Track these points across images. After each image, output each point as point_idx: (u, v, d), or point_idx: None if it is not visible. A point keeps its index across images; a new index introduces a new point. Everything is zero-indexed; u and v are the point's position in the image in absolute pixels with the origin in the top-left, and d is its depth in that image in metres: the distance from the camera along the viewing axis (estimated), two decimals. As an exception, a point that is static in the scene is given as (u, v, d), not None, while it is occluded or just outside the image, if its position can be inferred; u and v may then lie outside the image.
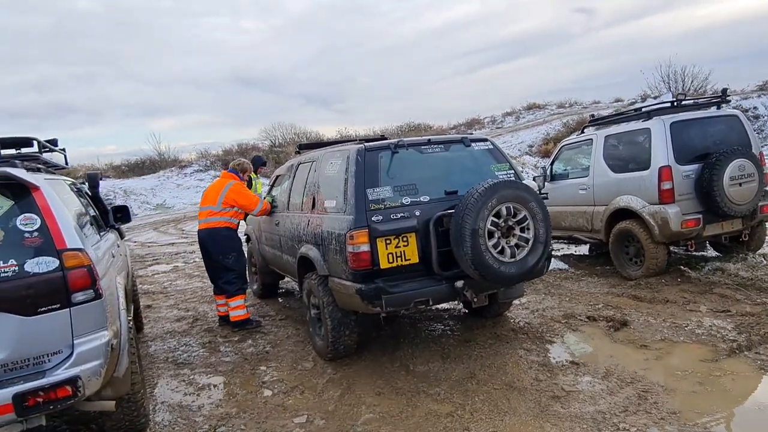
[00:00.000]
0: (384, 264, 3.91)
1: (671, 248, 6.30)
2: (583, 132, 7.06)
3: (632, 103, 33.51)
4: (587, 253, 8.04)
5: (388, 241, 3.92)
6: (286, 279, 6.38)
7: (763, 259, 6.03)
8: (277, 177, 6.36)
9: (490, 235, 3.89)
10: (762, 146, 25.64)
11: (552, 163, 7.40)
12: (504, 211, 3.92)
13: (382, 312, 3.95)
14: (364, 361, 4.56)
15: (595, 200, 6.51)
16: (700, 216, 5.64)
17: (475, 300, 4.17)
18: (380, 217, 3.93)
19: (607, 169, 6.33)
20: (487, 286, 4.16)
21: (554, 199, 7.06)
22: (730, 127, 5.96)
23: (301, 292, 4.96)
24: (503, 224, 3.94)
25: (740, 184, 5.55)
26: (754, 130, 30.72)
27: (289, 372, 4.54)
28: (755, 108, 32.78)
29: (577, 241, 7.39)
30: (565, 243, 8.25)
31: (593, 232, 6.64)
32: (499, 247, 3.93)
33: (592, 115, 7.37)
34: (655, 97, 39.25)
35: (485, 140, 4.58)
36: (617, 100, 43.51)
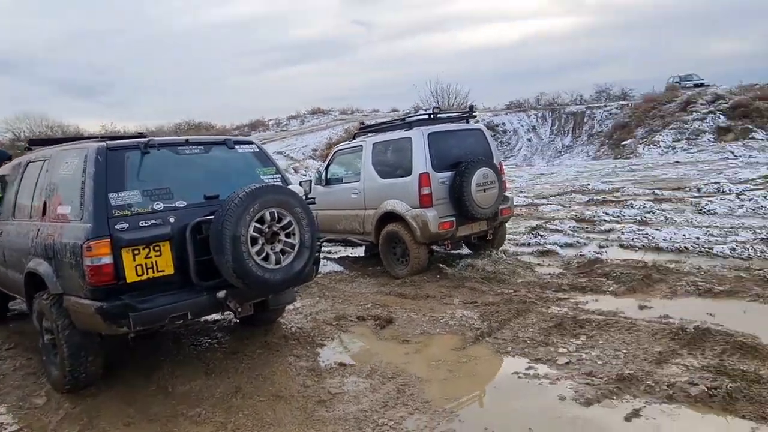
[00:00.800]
0: (132, 277, 3.47)
1: (433, 248, 6.91)
2: (354, 138, 7.37)
3: (407, 114, 36.61)
4: (363, 255, 8.42)
5: (136, 252, 3.49)
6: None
7: (503, 255, 6.97)
8: (2, 178, 5.30)
9: (254, 241, 3.72)
10: (509, 156, 30.02)
11: (327, 168, 7.58)
12: (268, 217, 3.79)
13: (130, 332, 3.49)
14: (114, 388, 4.01)
15: (366, 204, 6.83)
16: (454, 218, 6.29)
17: (240, 310, 3.96)
18: (126, 225, 3.48)
19: (376, 174, 6.70)
20: (252, 295, 3.99)
21: (329, 203, 7.22)
22: (477, 140, 6.77)
23: (32, 314, 4.17)
24: (267, 230, 3.81)
25: (485, 190, 6.34)
26: (503, 143, 35.80)
27: (13, 412, 3.76)
28: (503, 124, 38.64)
29: (353, 244, 7.68)
30: (342, 246, 8.53)
31: (365, 234, 6.95)
32: (264, 254, 3.79)
33: (362, 123, 7.75)
34: (426, 110, 43.81)
35: (251, 143, 4.42)
36: (394, 110, 47.25)
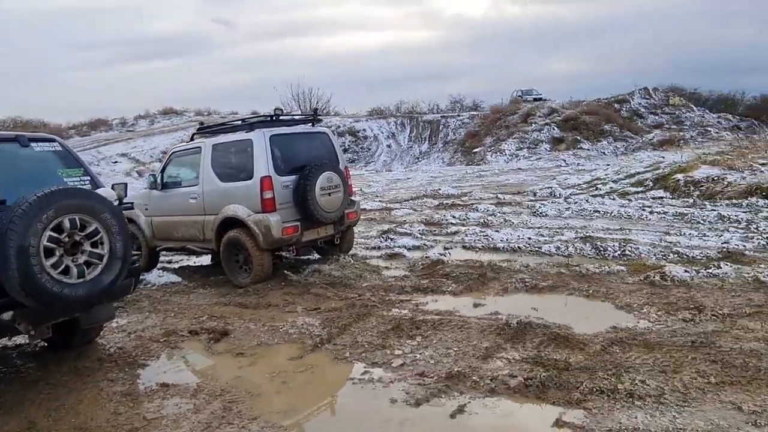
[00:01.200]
0: None
1: (283, 254, 6.68)
2: (192, 139, 6.90)
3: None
4: (206, 264, 7.92)
5: None
6: None
7: (351, 259, 6.95)
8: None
9: (49, 252, 3.23)
10: (370, 162, 30.40)
11: (162, 171, 7.00)
12: (67, 224, 3.32)
13: None
14: None
15: (206, 209, 6.40)
16: (298, 223, 6.12)
17: (33, 332, 3.42)
18: None
19: (216, 178, 6.31)
20: (51, 314, 3.46)
21: (166, 208, 6.67)
22: (322, 143, 6.68)
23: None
24: (67, 240, 3.33)
25: (329, 194, 6.26)
26: (364, 149, 36.24)
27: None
28: (364, 130, 39.42)
29: (195, 252, 7.18)
30: (186, 254, 7.95)
31: (205, 241, 6.52)
32: (62, 267, 3.30)
33: (201, 123, 7.30)
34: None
35: (52, 140, 3.87)
36: (254, 113, 45.97)
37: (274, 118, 6.44)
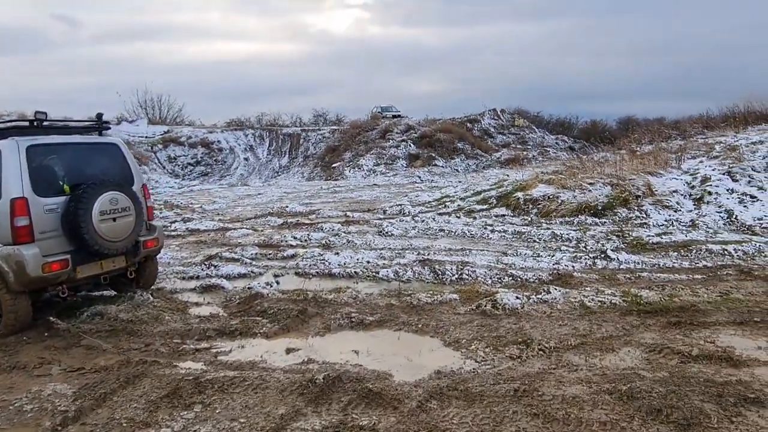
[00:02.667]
0: None
1: (52, 294, 5.30)
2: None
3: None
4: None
5: None
6: None
7: (151, 296, 5.77)
8: None
9: None
10: (225, 176, 28.44)
11: None
12: None
13: None
14: None
15: (-60, 240, 4.86)
16: (69, 256, 4.84)
17: None
18: None
19: (-49, 199, 4.81)
20: None
21: None
22: (110, 157, 5.46)
23: None
24: None
25: (114, 219, 5.06)
26: (219, 162, 34.04)
27: None
28: (219, 142, 37.26)
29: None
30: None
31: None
32: None
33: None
34: (131, 121, 39.63)
35: None
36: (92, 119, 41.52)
37: (35, 123, 5.08)
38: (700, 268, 6.57)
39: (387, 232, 9.91)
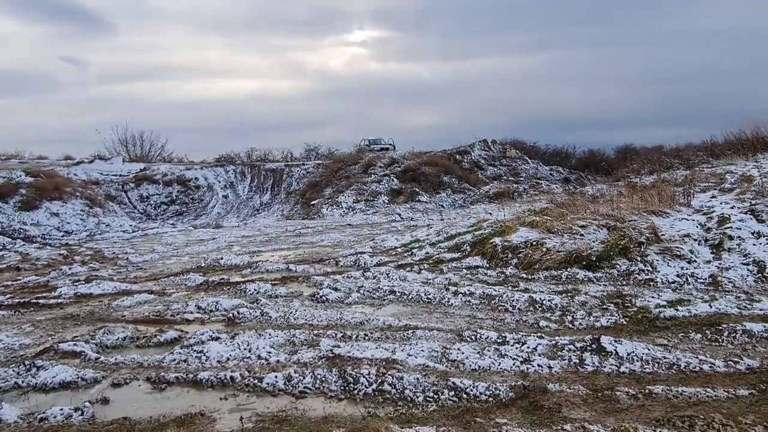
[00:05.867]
0: None
1: None
2: None
3: (77, 161, 31.05)
4: None
5: None
6: None
7: None
8: None
9: None
10: (201, 215, 26.18)
11: None
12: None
13: None
14: None
15: None
16: None
17: None
18: None
19: None
20: None
21: None
22: None
23: None
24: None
25: None
26: (195, 200, 31.84)
27: None
28: (197, 179, 35.36)
29: None
30: None
31: None
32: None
33: None
34: (106, 159, 37.81)
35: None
36: (67, 158, 40.19)
37: None
38: (744, 374, 4.32)
39: (322, 297, 7.72)
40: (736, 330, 5.28)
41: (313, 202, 27.46)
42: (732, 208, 9.96)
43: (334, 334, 5.94)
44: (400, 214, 21.06)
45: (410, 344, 5.45)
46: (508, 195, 22.99)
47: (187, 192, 33.24)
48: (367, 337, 5.81)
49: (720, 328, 5.38)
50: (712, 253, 8.42)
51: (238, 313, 6.98)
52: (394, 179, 25.95)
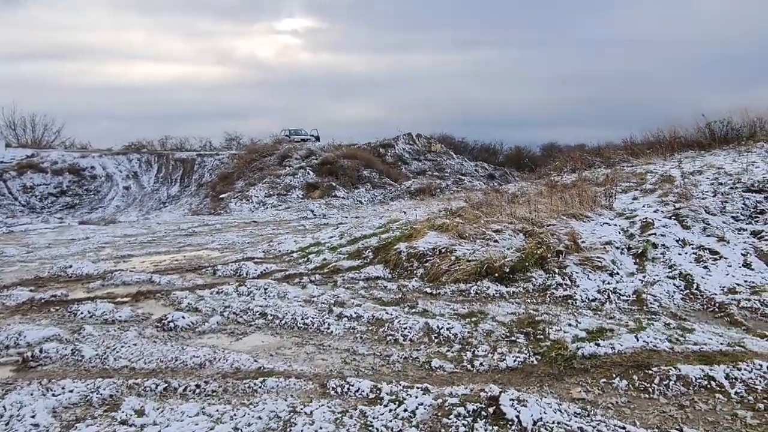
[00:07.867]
0: None
1: None
2: None
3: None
4: None
5: None
6: None
7: None
8: None
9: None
10: (97, 208, 23.34)
11: None
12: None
13: None
14: None
15: None
16: None
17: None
18: None
19: None
20: None
21: None
22: None
23: None
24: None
25: None
26: (90, 191, 28.62)
27: None
28: (94, 168, 32.06)
29: None
30: None
31: None
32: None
33: None
34: None
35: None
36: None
37: None
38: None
39: (168, 324, 6.01)
40: (669, 375, 4.13)
41: (222, 196, 25.27)
42: (655, 212, 9.12)
43: (151, 387, 4.29)
44: (312, 211, 19.42)
45: (249, 406, 3.90)
46: (429, 191, 21.90)
47: (80, 182, 30.01)
48: (196, 392, 4.21)
49: (650, 372, 4.21)
50: (635, 263, 7.45)
51: (41, 351, 5.17)
52: (311, 172, 24.23)
